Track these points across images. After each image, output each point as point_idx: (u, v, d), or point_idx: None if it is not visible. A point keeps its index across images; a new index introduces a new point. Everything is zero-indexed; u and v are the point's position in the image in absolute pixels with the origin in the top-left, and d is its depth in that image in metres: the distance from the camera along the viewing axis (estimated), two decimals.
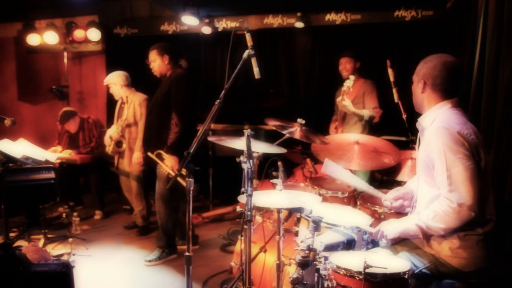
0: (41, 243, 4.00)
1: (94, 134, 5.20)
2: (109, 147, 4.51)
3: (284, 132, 2.80)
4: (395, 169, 3.16)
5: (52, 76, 7.10)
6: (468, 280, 1.94)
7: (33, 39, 6.42)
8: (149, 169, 4.23)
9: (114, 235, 4.56)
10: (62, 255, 3.74)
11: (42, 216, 4.12)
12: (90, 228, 4.77)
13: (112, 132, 4.50)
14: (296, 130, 2.81)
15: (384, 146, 3.13)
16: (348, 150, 3.08)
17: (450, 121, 1.94)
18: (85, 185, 5.49)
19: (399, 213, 2.45)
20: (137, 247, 4.16)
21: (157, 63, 3.78)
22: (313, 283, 1.99)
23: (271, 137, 2.94)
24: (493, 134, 2.84)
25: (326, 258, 1.93)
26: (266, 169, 2.97)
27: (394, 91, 3.37)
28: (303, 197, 2.27)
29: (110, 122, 5.14)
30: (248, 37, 2.27)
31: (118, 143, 4.48)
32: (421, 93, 2.09)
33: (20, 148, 4.01)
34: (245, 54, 2.24)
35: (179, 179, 2.87)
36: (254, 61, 2.23)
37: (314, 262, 1.92)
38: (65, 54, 6.82)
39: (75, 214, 4.21)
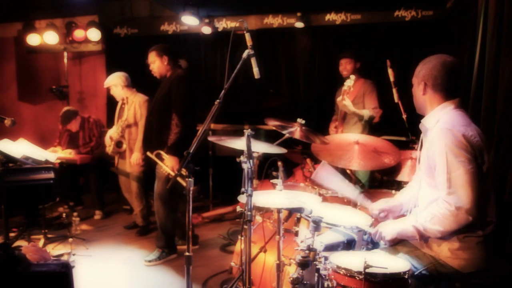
0: (41, 243, 4.00)
1: (94, 133, 5.20)
2: (109, 147, 4.52)
3: (284, 132, 2.79)
4: (395, 169, 3.15)
5: (52, 76, 7.11)
6: (468, 281, 1.93)
7: (33, 39, 6.43)
8: (149, 169, 4.23)
9: (114, 235, 4.56)
10: (62, 255, 3.74)
11: (42, 216, 4.12)
12: (90, 228, 4.77)
13: (112, 133, 4.50)
14: (296, 130, 2.81)
15: (384, 146, 3.12)
16: (348, 150, 3.08)
17: (454, 122, 1.93)
18: (85, 185, 5.49)
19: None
20: (137, 247, 4.16)
21: (156, 64, 3.78)
22: (313, 283, 1.99)
23: (271, 137, 2.94)
24: (493, 134, 2.84)
25: (326, 258, 1.92)
26: (266, 169, 2.97)
27: (394, 91, 3.37)
28: (303, 197, 2.26)
29: (110, 122, 5.15)
30: (248, 37, 2.27)
31: (118, 144, 4.48)
32: (423, 95, 2.07)
33: (20, 148, 4.01)
34: (245, 54, 2.24)
35: (179, 179, 2.87)
36: (254, 61, 2.23)
37: (314, 262, 1.92)
38: (65, 54, 6.82)
39: (75, 214, 4.21)
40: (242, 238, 2.27)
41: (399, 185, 3.35)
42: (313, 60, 5.82)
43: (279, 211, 2.18)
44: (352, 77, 3.81)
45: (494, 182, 2.52)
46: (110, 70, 5.17)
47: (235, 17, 6.00)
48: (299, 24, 5.61)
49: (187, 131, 3.57)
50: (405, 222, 2.01)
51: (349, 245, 2.12)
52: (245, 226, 2.11)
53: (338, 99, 3.97)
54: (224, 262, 3.66)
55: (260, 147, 2.51)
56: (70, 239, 3.87)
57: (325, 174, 2.47)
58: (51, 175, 3.80)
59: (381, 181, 4.21)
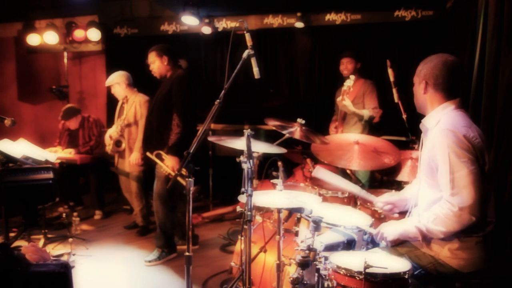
0: (41, 243, 4.00)
1: (94, 132, 5.20)
2: (109, 147, 4.52)
3: (284, 132, 2.79)
4: (395, 169, 3.15)
5: (52, 76, 7.11)
6: (468, 281, 1.93)
7: (33, 39, 6.43)
8: (148, 169, 4.23)
9: (114, 235, 4.56)
10: (62, 255, 3.74)
11: (41, 216, 4.11)
12: (90, 228, 4.77)
13: (111, 132, 4.50)
14: (296, 130, 2.81)
15: (384, 146, 3.13)
16: (348, 150, 3.08)
17: (455, 123, 1.92)
18: (85, 185, 5.48)
19: (401, 213, 2.44)
20: (137, 247, 4.16)
21: (156, 64, 3.77)
22: (313, 283, 1.99)
23: (271, 137, 2.94)
24: (493, 134, 2.84)
25: (326, 258, 1.92)
26: (266, 169, 2.97)
27: (394, 91, 3.37)
28: (303, 197, 2.27)
29: (110, 122, 5.14)
30: (248, 37, 2.27)
31: (117, 143, 4.48)
32: (423, 94, 2.06)
33: (20, 148, 4.01)
34: (245, 54, 2.24)
35: (179, 179, 2.87)
36: (253, 61, 2.23)
37: (314, 262, 1.92)
38: (65, 54, 6.82)
39: (75, 214, 4.21)
40: (242, 238, 2.27)
41: (399, 185, 3.35)
42: (313, 60, 5.81)
43: (279, 211, 2.18)
44: (352, 77, 3.82)
45: (494, 182, 2.52)
46: (110, 70, 5.16)
47: (235, 17, 6.00)
48: (299, 24, 5.61)
49: (188, 131, 3.57)
50: (407, 223, 2.01)
51: (349, 245, 2.11)
52: (245, 226, 2.11)
53: (338, 99, 3.97)
54: (224, 262, 3.66)
55: (260, 147, 2.51)
56: (70, 239, 3.87)
57: (325, 173, 2.47)
58: (50, 175, 3.79)
59: (381, 181, 4.21)
